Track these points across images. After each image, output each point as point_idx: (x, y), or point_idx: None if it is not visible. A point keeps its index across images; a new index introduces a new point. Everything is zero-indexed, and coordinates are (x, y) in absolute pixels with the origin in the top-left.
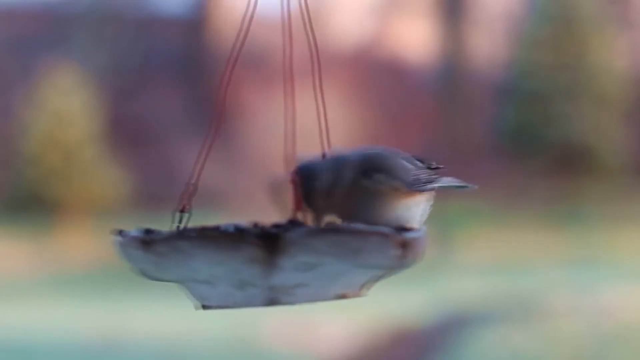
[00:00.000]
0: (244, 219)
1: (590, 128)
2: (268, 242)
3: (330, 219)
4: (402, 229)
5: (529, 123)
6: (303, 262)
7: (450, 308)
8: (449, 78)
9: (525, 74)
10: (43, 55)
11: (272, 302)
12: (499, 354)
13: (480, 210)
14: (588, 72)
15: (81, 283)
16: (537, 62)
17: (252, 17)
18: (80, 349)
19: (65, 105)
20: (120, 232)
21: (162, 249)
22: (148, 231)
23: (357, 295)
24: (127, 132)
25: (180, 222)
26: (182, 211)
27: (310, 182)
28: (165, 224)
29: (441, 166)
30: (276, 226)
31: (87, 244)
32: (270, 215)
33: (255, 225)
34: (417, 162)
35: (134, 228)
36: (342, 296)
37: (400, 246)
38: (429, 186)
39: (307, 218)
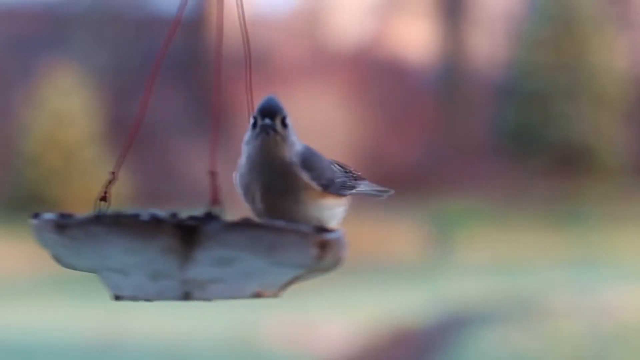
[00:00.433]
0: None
1: (590, 128)
2: (184, 233)
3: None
4: (322, 229)
5: (529, 123)
6: (219, 256)
7: (450, 308)
8: (449, 78)
9: (525, 74)
10: (43, 55)
11: (185, 296)
12: (499, 354)
13: (480, 210)
14: (588, 72)
15: (81, 283)
16: (537, 62)
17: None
18: (80, 349)
19: (65, 105)
20: (36, 215)
21: (76, 233)
22: (64, 215)
23: (274, 295)
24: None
25: (99, 210)
26: (102, 199)
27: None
28: None
29: (359, 173)
30: (193, 218)
31: None
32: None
33: (173, 215)
34: (340, 168)
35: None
36: (258, 295)
37: (319, 246)
38: (352, 191)
39: (224, 212)
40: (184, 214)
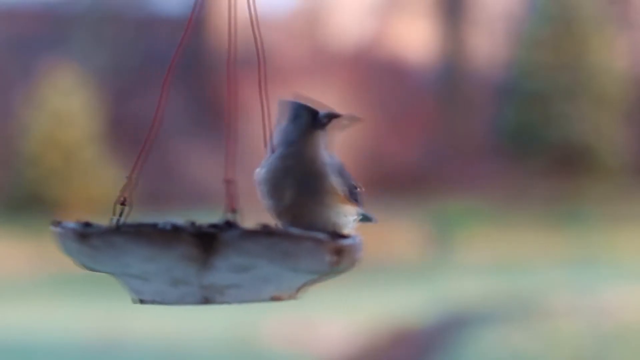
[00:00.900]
0: (249, 218)
1: (590, 128)
2: (203, 241)
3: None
4: (337, 235)
5: (529, 123)
6: (236, 263)
7: (450, 308)
8: (449, 78)
9: (525, 74)
10: (43, 55)
11: (205, 301)
12: (499, 354)
13: (480, 210)
14: (588, 72)
15: (81, 283)
16: (537, 62)
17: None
18: (80, 349)
19: (65, 105)
20: (59, 224)
21: (97, 242)
22: (87, 224)
23: (292, 297)
24: (127, 132)
25: (120, 215)
26: (122, 204)
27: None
28: None
29: (363, 189)
30: (213, 226)
31: None
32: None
33: (193, 224)
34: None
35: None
36: (277, 298)
37: (335, 253)
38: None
39: (242, 219)
40: (202, 221)
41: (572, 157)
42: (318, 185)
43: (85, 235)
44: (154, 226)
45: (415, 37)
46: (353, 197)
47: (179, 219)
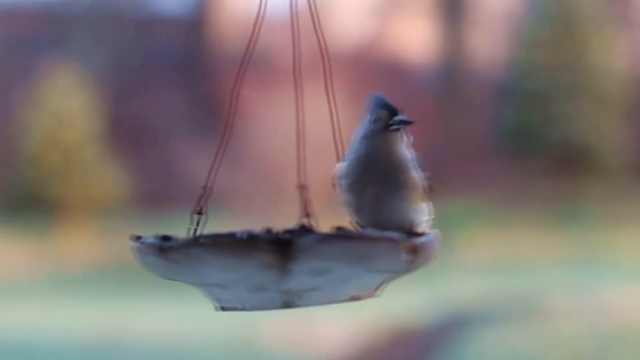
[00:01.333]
0: (249, 219)
1: (590, 128)
2: (280, 248)
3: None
4: (412, 233)
5: (529, 123)
6: (314, 267)
7: (450, 308)
8: (449, 78)
9: (525, 74)
10: (43, 55)
11: (286, 305)
12: (499, 354)
13: (480, 210)
14: (588, 72)
15: (81, 283)
16: (537, 62)
17: (262, 20)
18: (80, 349)
19: (65, 105)
20: (138, 239)
21: (176, 256)
22: (165, 238)
23: (371, 295)
24: (127, 132)
25: (197, 224)
26: (198, 213)
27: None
28: (164, 224)
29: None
30: (288, 232)
31: (86, 244)
32: (275, 215)
33: (268, 231)
34: None
35: (150, 233)
36: (356, 298)
37: (411, 251)
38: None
39: (317, 223)
40: (278, 227)
41: (572, 157)
42: (401, 179)
43: (165, 250)
44: (231, 236)
45: (415, 37)
46: (430, 195)
47: (255, 227)
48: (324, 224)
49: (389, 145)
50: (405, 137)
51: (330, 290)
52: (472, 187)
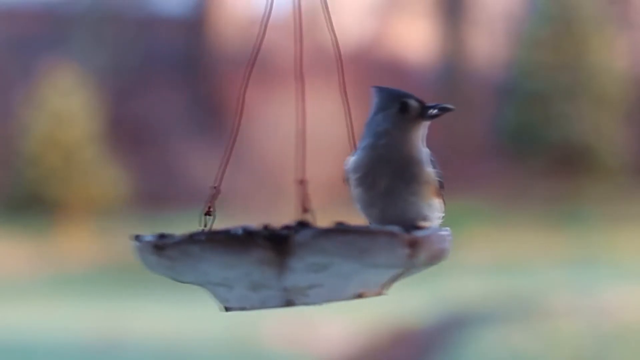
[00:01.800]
0: (249, 219)
1: (590, 128)
2: (276, 244)
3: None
4: (413, 227)
5: (529, 123)
6: (313, 262)
7: (450, 308)
8: (449, 78)
9: (525, 74)
10: (43, 55)
11: (288, 303)
12: (499, 354)
13: (480, 210)
14: (588, 72)
15: (81, 283)
16: (537, 62)
17: (267, 21)
18: (80, 349)
19: (65, 105)
20: (137, 237)
21: (173, 253)
22: (162, 236)
23: (376, 294)
24: (127, 132)
25: (205, 225)
26: (207, 214)
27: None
28: (164, 224)
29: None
30: (286, 228)
31: (86, 243)
32: (275, 214)
33: (266, 227)
34: None
35: (150, 232)
36: (360, 295)
37: (410, 245)
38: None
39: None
40: (275, 224)
41: (572, 157)
42: (415, 173)
43: (161, 247)
44: (226, 232)
45: (415, 37)
46: (443, 191)
47: (252, 223)
48: (326, 223)
49: (412, 137)
50: (421, 132)
51: (333, 287)
52: (472, 187)
